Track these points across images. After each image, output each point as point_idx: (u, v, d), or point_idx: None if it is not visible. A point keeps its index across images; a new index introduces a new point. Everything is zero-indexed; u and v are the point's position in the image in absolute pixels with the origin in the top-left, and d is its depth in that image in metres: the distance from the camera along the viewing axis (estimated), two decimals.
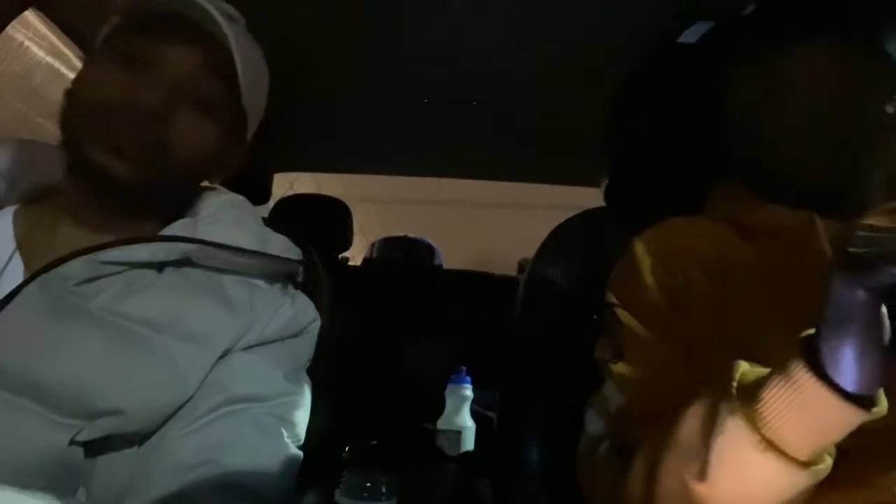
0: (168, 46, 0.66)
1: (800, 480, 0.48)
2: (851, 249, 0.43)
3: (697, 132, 0.93)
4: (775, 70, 0.67)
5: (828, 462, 0.49)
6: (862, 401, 0.46)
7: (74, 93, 0.67)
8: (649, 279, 0.71)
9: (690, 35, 0.77)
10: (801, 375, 0.46)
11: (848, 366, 0.45)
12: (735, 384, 0.50)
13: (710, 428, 0.50)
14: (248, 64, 0.69)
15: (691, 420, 0.53)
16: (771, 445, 0.48)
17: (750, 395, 0.49)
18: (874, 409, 0.46)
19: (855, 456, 0.56)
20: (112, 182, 0.63)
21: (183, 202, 0.75)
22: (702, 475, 0.50)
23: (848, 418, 0.46)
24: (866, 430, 0.57)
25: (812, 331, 0.48)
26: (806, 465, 0.48)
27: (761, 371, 0.51)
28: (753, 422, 0.48)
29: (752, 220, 0.71)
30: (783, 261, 0.66)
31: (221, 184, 0.80)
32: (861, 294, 0.44)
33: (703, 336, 0.67)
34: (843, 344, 0.45)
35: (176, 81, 0.65)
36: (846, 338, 0.45)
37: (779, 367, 0.48)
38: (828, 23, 0.65)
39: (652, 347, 0.69)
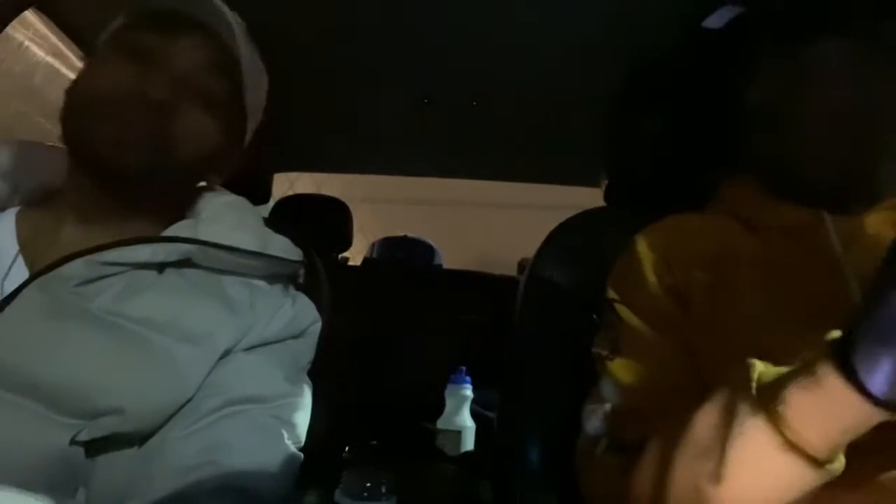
0: (175, 42, 0.67)
1: (816, 479, 0.48)
2: None
3: (699, 130, 0.93)
4: (805, 65, 0.66)
5: (842, 459, 0.48)
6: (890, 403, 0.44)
7: (77, 88, 0.67)
8: (650, 276, 0.71)
9: (716, 20, 0.75)
10: (831, 380, 0.45)
11: (885, 374, 0.43)
12: (755, 384, 0.49)
13: (726, 429, 0.49)
14: (251, 63, 0.71)
15: (705, 420, 0.52)
16: (794, 447, 0.47)
17: (771, 395, 0.48)
18: None
19: (866, 453, 0.55)
20: (113, 174, 0.63)
21: (183, 202, 0.75)
22: (717, 476, 0.50)
23: (873, 419, 0.45)
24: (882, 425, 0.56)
25: (839, 333, 0.46)
26: (823, 464, 0.47)
27: (779, 370, 0.50)
28: (776, 423, 0.47)
29: (758, 216, 0.71)
30: (790, 256, 0.66)
31: (221, 184, 0.80)
32: None
33: (706, 332, 0.67)
34: (887, 351, 0.42)
35: (182, 77, 0.66)
36: (892, 345, 0.42)
37: (803, 367, 0.47)
38: (861, 18, 0.65)
39: (650, 344, 0.69)
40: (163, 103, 0.64)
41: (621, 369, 0.69)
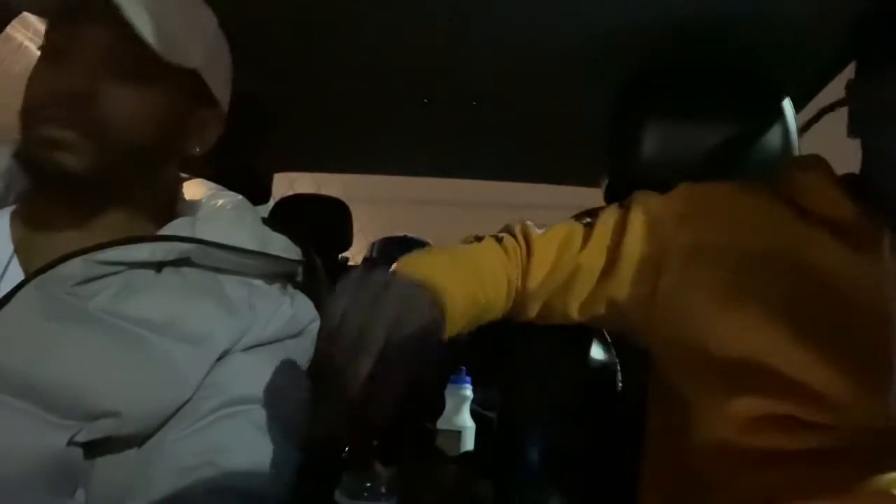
0: (78, 25, 0.63)
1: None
2: None
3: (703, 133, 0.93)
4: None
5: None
6: None
7: (22, 99, 0.65)
8: (662, 221, 0.72)
9: None
10: None
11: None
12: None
13: None
14: (167, 18, 0.62)
15: None
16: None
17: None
18: None
19: (849, 462, 0.55)
20: (62, 176, 0.62)
21: (171, 188, 0.74)
22: None
23: None
24: (858, 429, 0.56)
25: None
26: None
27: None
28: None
29: (819, 205, 0.67)
30: (832, 254, 0.64)
31: (221, 183, 0.79)
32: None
33: (708, 323, 0.66)
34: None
35: (93, 58, 0.62)
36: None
37: None
38: None
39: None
40: (82, 92, 0.61)
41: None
